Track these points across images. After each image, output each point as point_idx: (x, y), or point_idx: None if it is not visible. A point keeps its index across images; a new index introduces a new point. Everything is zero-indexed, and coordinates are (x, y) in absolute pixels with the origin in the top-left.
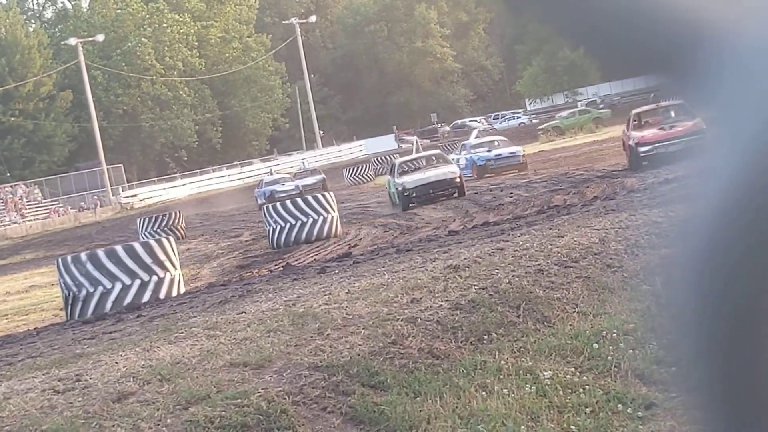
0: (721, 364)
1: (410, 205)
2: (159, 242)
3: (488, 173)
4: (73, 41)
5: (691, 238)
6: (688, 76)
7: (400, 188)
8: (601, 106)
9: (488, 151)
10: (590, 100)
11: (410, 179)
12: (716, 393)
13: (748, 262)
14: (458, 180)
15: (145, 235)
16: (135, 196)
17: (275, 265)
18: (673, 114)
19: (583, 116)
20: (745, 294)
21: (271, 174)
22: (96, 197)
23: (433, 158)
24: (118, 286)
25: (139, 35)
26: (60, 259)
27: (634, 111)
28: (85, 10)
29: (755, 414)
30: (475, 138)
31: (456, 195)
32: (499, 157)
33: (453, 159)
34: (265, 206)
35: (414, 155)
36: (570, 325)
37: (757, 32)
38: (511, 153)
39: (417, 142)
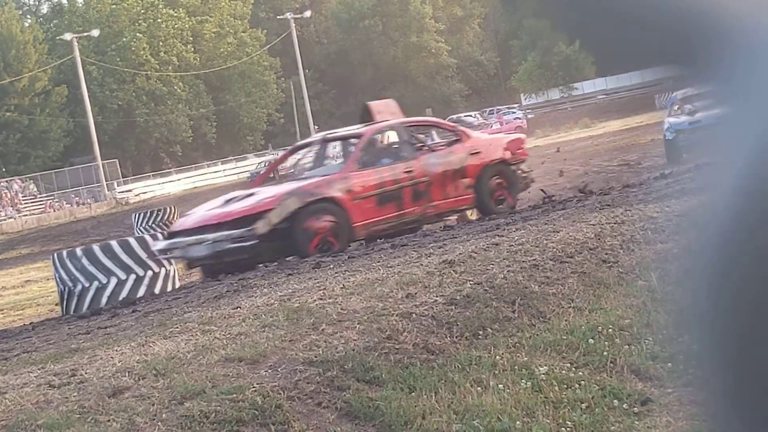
0: (723, 360)
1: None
2: (154, 237)
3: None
4: (68, 36)
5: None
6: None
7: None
8: None
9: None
10: None
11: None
12: (716, 389)
13: (760, 259)
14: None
15: (141, 230)
16: (130, 191)
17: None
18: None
19: None
20: (754, 291)
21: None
22: (76, 195)
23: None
24: (114, 281)
25: (133, 30)
26: (55, 254)
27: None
28: (80, 5)
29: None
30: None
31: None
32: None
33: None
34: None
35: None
36: (565, 320)
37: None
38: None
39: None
